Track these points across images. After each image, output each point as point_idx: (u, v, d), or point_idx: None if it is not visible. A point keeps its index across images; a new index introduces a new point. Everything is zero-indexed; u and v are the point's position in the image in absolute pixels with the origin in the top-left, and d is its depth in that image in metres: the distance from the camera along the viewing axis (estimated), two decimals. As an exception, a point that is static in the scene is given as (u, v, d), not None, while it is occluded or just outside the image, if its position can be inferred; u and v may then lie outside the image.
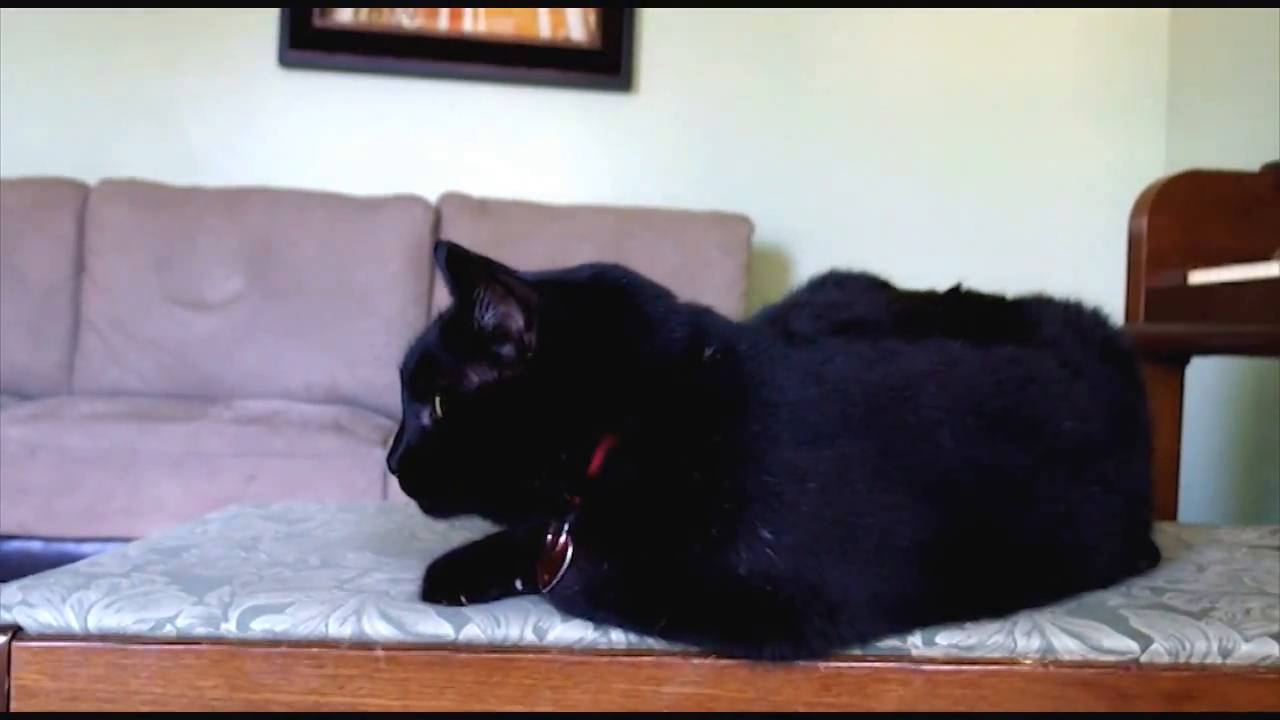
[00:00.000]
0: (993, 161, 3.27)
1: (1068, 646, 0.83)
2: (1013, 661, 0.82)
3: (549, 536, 0.83)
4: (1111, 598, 0.92)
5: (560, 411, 0.79)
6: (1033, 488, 0.87)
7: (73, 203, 2.82)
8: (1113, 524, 0.94)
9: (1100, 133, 3.29)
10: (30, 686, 0.81)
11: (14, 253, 2.76)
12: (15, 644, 0.81)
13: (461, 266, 0.78)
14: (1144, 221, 2.09)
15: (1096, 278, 2.66)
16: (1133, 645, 0.83)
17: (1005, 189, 3.27)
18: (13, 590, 0.85)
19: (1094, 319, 1.06)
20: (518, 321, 0.79)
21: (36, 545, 2.23)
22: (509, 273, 0.79)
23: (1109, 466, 0.93)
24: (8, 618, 0.83)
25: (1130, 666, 0.82)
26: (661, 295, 0.86)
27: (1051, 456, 0.88)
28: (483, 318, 0.79)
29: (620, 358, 0.81)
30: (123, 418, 2.36)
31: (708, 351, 0.82)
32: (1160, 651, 0.83)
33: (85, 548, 2.18)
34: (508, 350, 0.80)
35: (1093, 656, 0.83)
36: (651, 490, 0.79)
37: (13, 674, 0.81)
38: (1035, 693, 0.81)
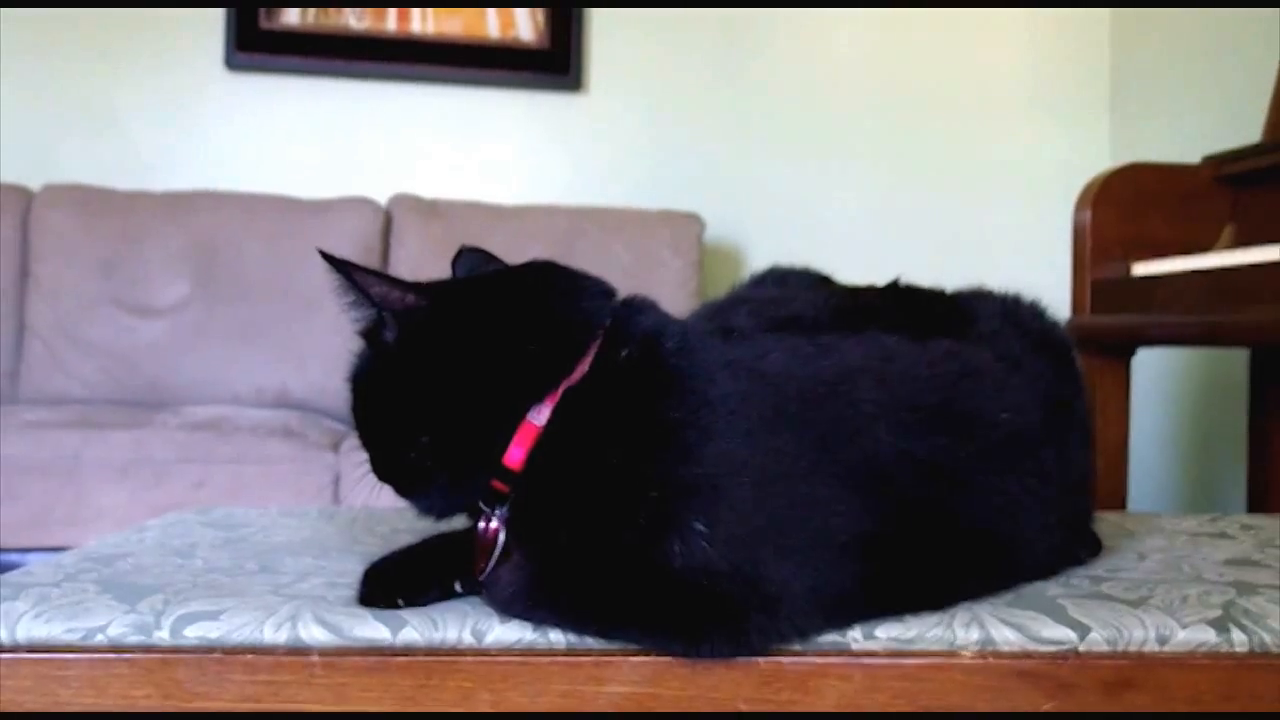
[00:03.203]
0: (938, 157, 3.30)
1: (1006, 637, 0.83)
2: (952, 654, 0.82)
3: (480, 524, 0.84)
4: (1050, 588, 0.93)
5: (441, 397, 0.82)
6: (969, 480, 0.87)
7: (16, 208, 2.78)
8: (1051, 515, 0.94)
9: (1044, 127, 3.33)
10: (-41, 700, 0.79)
11: (-45, 260, 2.71)
12: (-57, 657, 0.79)
13: (333, 272, 0.82)
14: (1088, 214, 2.11)
15: (1042, 271, 2.68)
16: (1071, 635, 0.83)
17: (951, 184, 3.30)
18: (-60, 603, 0.83)
19: (1032, 312, 1.06)
20: (377, 317, 0.84)
21: (-20, 557, 2.19)
22: (369, 276, 0.82)
23: (1046, 458, 0.93)
24: (-64, 631, 0.81)
25: (1068, 656, 0.83)
26: (586, 288, 0.87)
27: (988, 449, 0.88)
28: (354, 314, 0.84)
29: (518, 348, 0.82)
30: (67, 425, 2.32)
31: (632, 343, 0.83)
32: (1098, 640, 0.83)
33: (30, 558, 2.14)
34: (388, 336, 0.84)
35: (1031, 647, 0.83)
36: (577, 481, 0.80)
37: (-59, 687, 0.79)
38: (975, 684, 0.82)
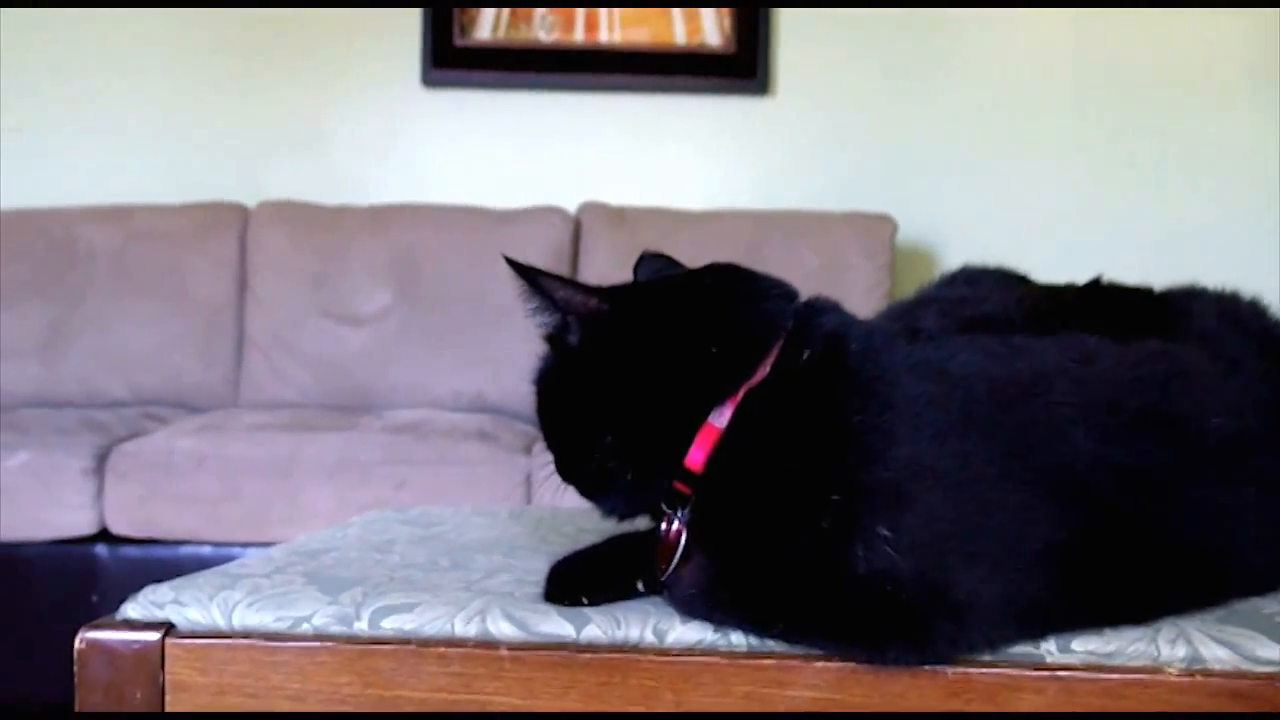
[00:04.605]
0: (1148, 147, 3.12)
1: (1218, 656, 0.79)
2: (1156, 670, 0.78)
3: (663, 525, 0.85)
4: (1269, 605, 0.87)
5: (623, 398, 0.83)
6: (1177, 488, 0.83)
7: (235, 225, 2.96)
8: (1271, 527, 0.88)
9: (1267, 115, 3.10)
10: (182, 680, 0.85)
11: (183, 274, 2.91)
12: (168, 640, 0.85)
13: (518, 278, 0.84)
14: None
15: (1267, 267, 2.52)
16: (1292, 655, 0.78)
17: (1163, 176, 3.12)
18: (165, 590, 0.90)
19: (1252, 310, 1.00)
20: (561, 321, 0.85)
21: (206, 550, 2.34)
22: (553, 281, 0.84)
23: (1266, 466, 0.87)
24: (161, 615, 0.88)
25: (1289, 678, 0.77)
26: (767, 290, 0.86)
27: (1199, 456, 0.84)
28: (539, 318, 0.86)
29: (699, 351, 0.82)
30: (282, 428, 2.46)
31: (814, 345, 0.82)
32: (1324, 662, 0.78)
33: (249, 552, 2.27)
34: (571, 339, 0.85)
35: (1246, 667, 0.78)
36: (758, 484, 0.79)
37: (166, 668, 0.85)
38: (1182, 704, 0.78)
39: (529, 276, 0.83)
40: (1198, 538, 0.84)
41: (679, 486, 0.83)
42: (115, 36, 3.12)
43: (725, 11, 3.09)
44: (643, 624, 0.82)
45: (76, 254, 2.89)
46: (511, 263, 0.83)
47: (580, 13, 3.10)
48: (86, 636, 0.85)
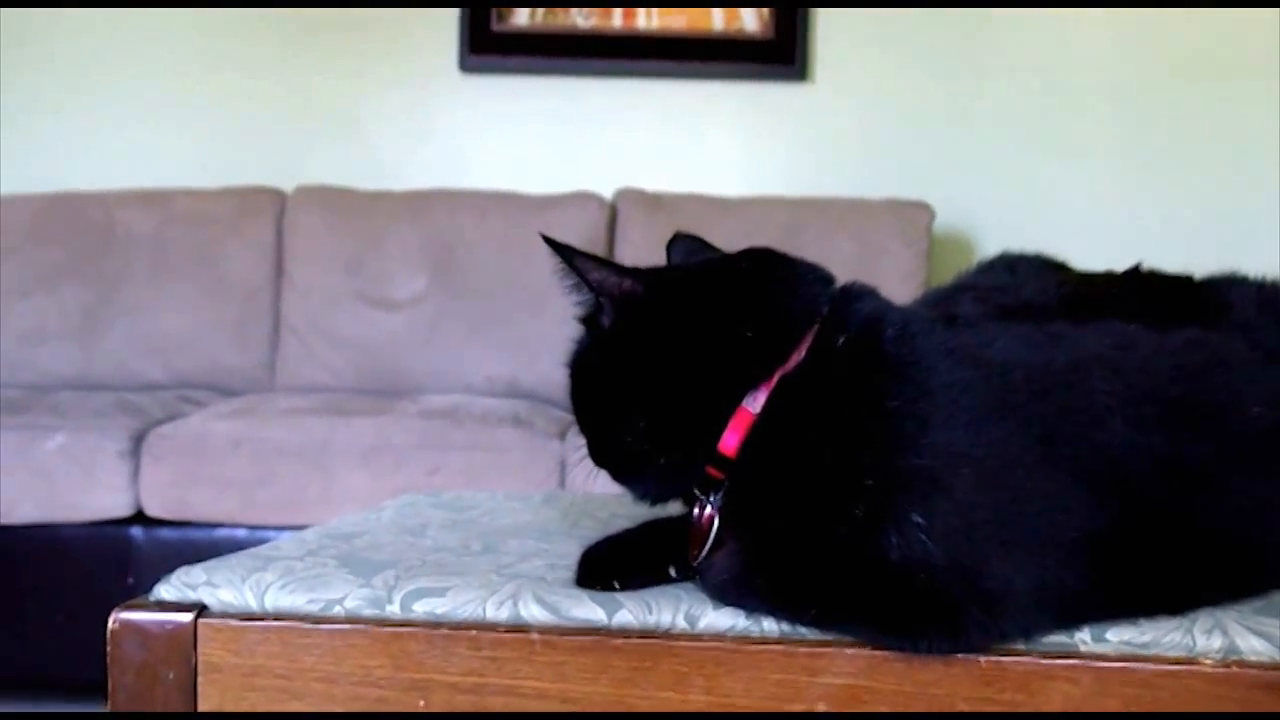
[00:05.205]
0: (1192, 134, 3.08)
1: (1254, 647, 0.78)
2: (1192, 661, 0.78)
3: (695, 510, 0.84)
4: (1307, 597, 0.86)
5: (656, 382, 0.83)
6: (1215, 478, 0.82)
7: (272, 210, 2.98)
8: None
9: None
10: (214, 661, 0.85)
11: (220, 258, 2.93)
12: (200, 621, 0.86)
13: (555, 255, 0.84)
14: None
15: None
16: (1331, 647, 0.77)
17: (1206, 164, 3.08)
18: (198, 572, 0.90)
19: (1294, 298, 0.99)
20: (595, 303, 0.85)
21: (241, 533, 2.36)
22: (588, 261, 0.84)
23: None
24: (194, 597, 0.88)
25: (1328, 671, 0.76)
26: (803, 275, 0.86)
27: (1238, 445, 0.83)
28: (574, 297, 0.86)
29: (733, 335, 0.82)
30: (317, 412, 2.48)
31: (850, 330, 0.81)
32: (1363, 654, 0.77)
33: (284, 536, 2.29)
34: (605, 321, 0.85)
35: (1283, 658, 0.77)
36: (791, 469, 0.79)
37: (199, 649, 0.86)
38: (1217, 695, 0.77)
39: (565, 255, 0.83)
40: (1235, 528, 0.83)
41: (712, 471, 0.82)
42: (154, 21, 3.14)
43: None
44: (674, 609, 0.82)
45: (114, 238, 2.92)
46: (548, 241, 0.83)
47: (618, -1, 3.10)
48: (120, 617, 0.86)
